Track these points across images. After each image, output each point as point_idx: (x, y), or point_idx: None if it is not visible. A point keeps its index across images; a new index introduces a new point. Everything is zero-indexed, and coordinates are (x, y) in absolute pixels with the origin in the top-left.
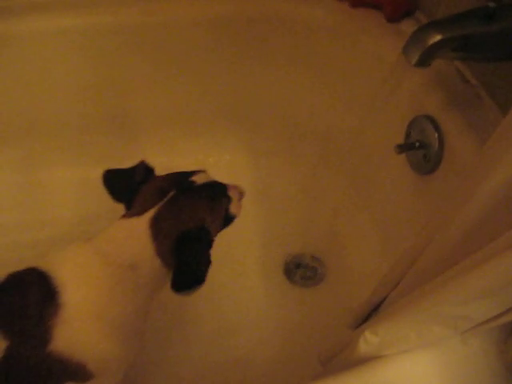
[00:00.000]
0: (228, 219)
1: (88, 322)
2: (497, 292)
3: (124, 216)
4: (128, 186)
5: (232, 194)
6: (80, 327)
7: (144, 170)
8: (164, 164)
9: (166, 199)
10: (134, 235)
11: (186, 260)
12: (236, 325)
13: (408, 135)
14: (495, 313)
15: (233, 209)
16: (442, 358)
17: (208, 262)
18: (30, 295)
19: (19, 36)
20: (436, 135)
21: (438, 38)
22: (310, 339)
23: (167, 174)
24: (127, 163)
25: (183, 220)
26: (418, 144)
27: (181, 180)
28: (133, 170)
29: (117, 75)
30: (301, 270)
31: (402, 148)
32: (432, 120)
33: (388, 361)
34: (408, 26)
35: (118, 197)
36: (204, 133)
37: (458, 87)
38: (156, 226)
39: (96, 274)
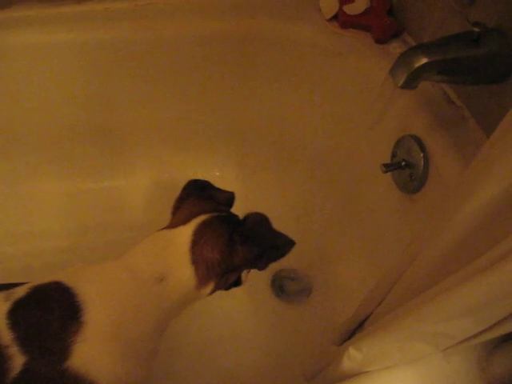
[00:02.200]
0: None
1: (107, 342)
2: (477, 310)
3: (164, 228)
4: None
5: None
6: (98, 347)
7: (229, 199)
8: (153, 178)
9: (217, 213)
10: (173, 243)
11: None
12: (221, 339)
13: (394, 154)
14: (476, 331)
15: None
16: (424, 375)
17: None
18: (52, 311)
19: (11, 49)
20: (421, 155)
21: (424, 61)
22: (295, 354)
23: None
24: (116, 176)
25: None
26: (403, 163)
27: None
28: (220, 190)
29: (108, 89)
30: (288, 286)
31: (388, 167)
32: (418, 140)
33: (371, 377)
34: (395, 48)
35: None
36: (194, 148)
37: (444, 108)
38: (201, 231)
39: (122, 293)
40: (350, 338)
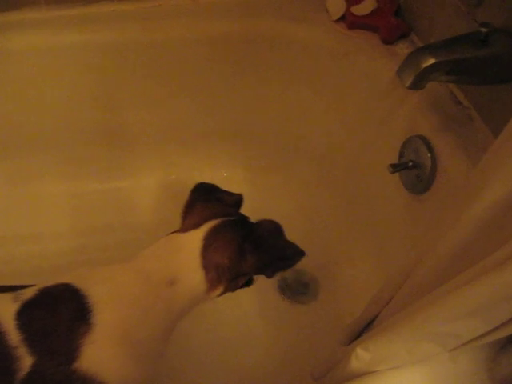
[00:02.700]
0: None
1: (116, 343)
2: (485, 310)
3: (175, 232)
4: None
5: None
6: (107, 348)
7: (237, 201)
8: (160, 178)
9: (227, 218)
10: (184, 247)
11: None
12: (229, 340)
13: (402, 155)
14: (483, 331)
15: None
16: (432, 375)
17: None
18: (61, 313)
19: (19, 51)
20: (429, 155)
21: (431, 61)
22: (303, 355)
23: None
24: (123, 177)
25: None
26: (411, 164)
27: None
28: (228, 193)
29: (115, 91)
30: (294, 287)
31: (396, 167)
32: (425, 140)
33: (378, 377)
34: (403, 48)
35: (194, 195)
36: (201, 149)
37: (451, 109)
38: (211, 237)
39: (132, 295)
40: (357, 338)
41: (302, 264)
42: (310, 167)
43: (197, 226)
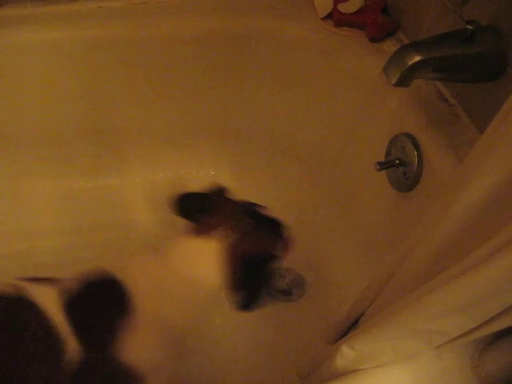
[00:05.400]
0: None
1: (154, 336)
2: (470, 307)
3: (192, 232)
4: (201, 206)
5: None
6: (148, 340)
7: (218, 190)
8: (148, 176)
9: (242, 223)
10: (205, 253)
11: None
12: (214, 338)
13: (388, 153)
14: (469, 327)
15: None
16: (418, 373)
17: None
18: (106, 303)
19: (5, 48)
20: (415, 153)
21: (417, 58)
22: (289, 353)
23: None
24: (111, 175)
25: (256, 246)
26: (397, 161)
27: (253, 209)
28: (206, 193)
29: (102, 88)
30: (281, 285)
31: (382, 165)
32: (412, 138)
33: (364, 375)
34: (390, 46)
35: (188, 215)
36: (188, 147)
37: (437, 106)
38: (227, 246)
39: (168, 291)
40: (343, 336)
41: (289, 262)
42: (297, 165)
43: (211, 235)
